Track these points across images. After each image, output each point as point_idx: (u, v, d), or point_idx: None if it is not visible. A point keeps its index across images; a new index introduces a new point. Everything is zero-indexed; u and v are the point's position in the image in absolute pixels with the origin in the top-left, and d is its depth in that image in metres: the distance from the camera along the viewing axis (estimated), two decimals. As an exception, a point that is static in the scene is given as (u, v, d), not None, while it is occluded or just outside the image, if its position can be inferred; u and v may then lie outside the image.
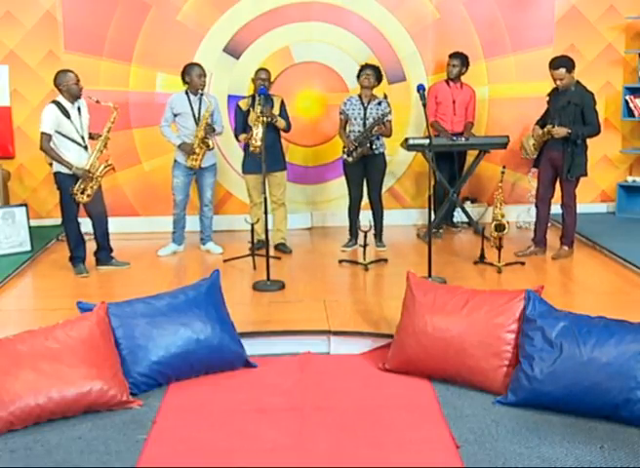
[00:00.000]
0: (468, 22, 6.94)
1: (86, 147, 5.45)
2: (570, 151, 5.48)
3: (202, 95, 5.96)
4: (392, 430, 3.31)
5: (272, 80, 6.15)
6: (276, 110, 6.01)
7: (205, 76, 5.93)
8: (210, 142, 5.91)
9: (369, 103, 6.00)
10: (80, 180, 5.34)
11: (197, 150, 5.90)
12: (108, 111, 5.48)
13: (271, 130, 5.91)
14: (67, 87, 5.30)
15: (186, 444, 3.21)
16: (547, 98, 5.77)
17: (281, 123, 5.98)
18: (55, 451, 3.18)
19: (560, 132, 5.48)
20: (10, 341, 3.50)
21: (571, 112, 5.48)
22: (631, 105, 7.10)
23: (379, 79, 6.01)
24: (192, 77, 5.88)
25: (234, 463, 3.06)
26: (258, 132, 5.76)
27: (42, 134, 5.24)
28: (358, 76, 6.02)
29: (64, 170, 5.35)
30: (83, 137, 5.43)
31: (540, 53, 6.93)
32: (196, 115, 5.94)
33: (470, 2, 6.93)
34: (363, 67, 6.01)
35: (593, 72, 7.07)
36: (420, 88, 5.22)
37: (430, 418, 3.41)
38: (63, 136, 5.32)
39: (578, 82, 5.54)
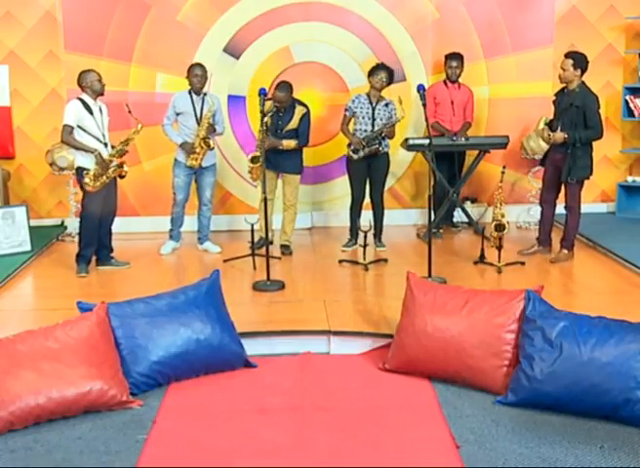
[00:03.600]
0: (468, 23, 6.93)
1: (106, 144, 5.49)
2: (571, 153, 5.44)
3: (205, 94, 5.97)
4: (392, 430, 3.31)
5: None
6: (294, 124, 5.93)
7: (200, 76, 5.88)
8: (211, 142, 5.91)
9: (377, 104, 5.99)
10: (96, 167, 5.35)
11: (198, 150, 5.91)
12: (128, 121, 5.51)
13: (292, 135, 5.91)
14: (91, 84, 5.38)
15: (186, 444, 3.22)
16: (554, 98, 5.74)
17: (288, 145, 5.92)
18: (55, 451, 3.18)
19: (557, 138, 5.47)
20: (10, 341, 3.50)
21: (572, 114, 5.43)
22: (631, 105, 7.10)
23: (390, 82, 6.00)
24: (190, 77, 5.91)
25: (234, 463, 3.06)
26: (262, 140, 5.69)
27: (64, 126, 5.34)
28: (370, 74, 5.96)
29: (85, 164, 5.38)
30: (104, 135, 5.48)
31: (540, 53, 6.93)
32: (198, 115, 5.94)
33: (470, 2, 6.92)
34: (378, 69, 5.94)
35: (593, 72, 7.01)
36: (420, 88, 5.22)
37: (430, 418, 3.41)
38: (85, 131, 5.38)
39: (583, 83, 5.49)
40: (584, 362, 3.37)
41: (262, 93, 5.51)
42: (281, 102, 5.83)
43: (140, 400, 3.61)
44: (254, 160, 5.78)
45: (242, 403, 3.61)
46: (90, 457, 3.12)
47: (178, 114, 5.99)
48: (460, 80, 6.66)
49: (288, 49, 6.89)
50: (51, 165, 6.62)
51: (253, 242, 5.78)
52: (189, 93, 5.97)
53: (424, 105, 5.22)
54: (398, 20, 6.90)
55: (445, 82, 6.65)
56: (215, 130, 6.00)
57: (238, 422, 3.40)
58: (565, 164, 5.47)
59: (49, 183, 7.00)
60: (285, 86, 5.86)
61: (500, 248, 5.46)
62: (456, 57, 6.56)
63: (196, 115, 5.94)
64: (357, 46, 6.90)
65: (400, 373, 3.86)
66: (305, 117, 5.98)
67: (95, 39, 6.69)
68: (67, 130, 5.34)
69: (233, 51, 6.86)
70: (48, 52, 6.80)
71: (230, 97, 6.88)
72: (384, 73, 5.92)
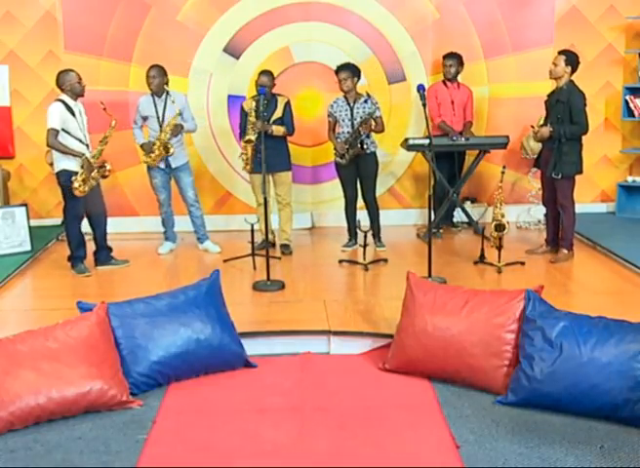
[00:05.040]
0: (468, 23, 6.94)
1: (87, 146, 5.47)
2: (557, 149, 5.45)
3: (167, 95, 5.91)
4: (392, 430, 3.31)
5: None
6: (279, 112, 5.97)
7: (153, 77, 5.84)
8: (170, 149, 5.84)
9: (355, 103, 5.98)
10: (82, 171, 5.32)
11: (157, 152, 5.87)
12: (105, 119, 5.47)
13: (279, 124, 5.94)
14: (71, 85, 5.34)
15: (186, 444, 3.21)
16: (546, 98, 5.76)
17: (278, 130, 5.94)
18: (55, 451, 3.17)
19: (543, 131, 5.49)
20: (10, 341, 3.50)
21: (559, 111, 5.47)
22: (631, 105, 7.10)
23: (357, 76, 5.95)
24: (146, 80, 5.89)
25: (234, 463, 3.06)
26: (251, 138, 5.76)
27: (50, 129, 5.26)
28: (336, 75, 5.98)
29: (69, 167, 5.35)
30: (85, 136, 5.45)
31: (540, 53, 6.93)
32: (160, 117, 5.90)
33: (470, 2, 6.93)
34: (336, 73, 5.94)
35: (593, 72, 7.08)
36: (420, 88, 5.21)
37: (430, 418, 3.41)
38: (68, 133, 5.34)
39: (571, 81, 5.52)
40: (584, 362, 3.36)
41: (262, 92, 5.52)
42: (266, 86, 5.84)
43: (140, 400, 3.60)
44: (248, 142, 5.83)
45: (242, 403, 3.61)
46: (90, 457, 3.12)
47: (145, 118, 5.97)
48: (459, 79, 6.67)
49: (288, 49, 6.89)
50: (51, 165, 6.60)
51: (253, 242, 5.78)
52: (152, 95, 5.95)
53: (424, 105, 5.22)
54: (398, 20, 6.91)
55: (444, 82, 6.66)
56: (182, 127, 5.95)
57: (238, 422, 3.40)
58: (551, 159, 5.48)
59: (49, 183, 7.00)
60: (267, 72, 5.97)
61: (500, 248, 5.46)
62: (450, 56, 6.58)
63: (158, 118, 5.91)
64: (357, 46, 6.90)
65: (400, 373, 3.86)
66: (288, 106, 6.04)
67: (95, 39, 6.70)
68: (53, 133, 5.25)
69: (233, 51, 6.87)
70: (48, 52, 6.81)
71: (230, 97, 6.88)
72: (344, 74, 5.89)
